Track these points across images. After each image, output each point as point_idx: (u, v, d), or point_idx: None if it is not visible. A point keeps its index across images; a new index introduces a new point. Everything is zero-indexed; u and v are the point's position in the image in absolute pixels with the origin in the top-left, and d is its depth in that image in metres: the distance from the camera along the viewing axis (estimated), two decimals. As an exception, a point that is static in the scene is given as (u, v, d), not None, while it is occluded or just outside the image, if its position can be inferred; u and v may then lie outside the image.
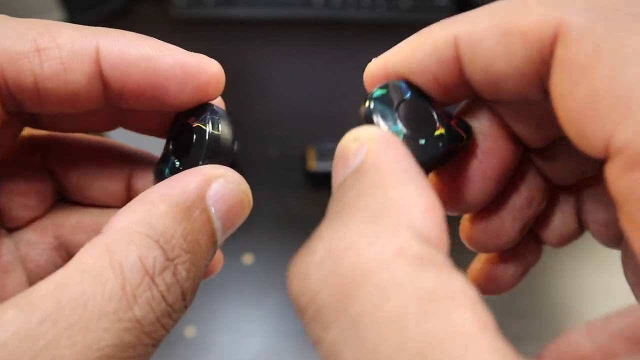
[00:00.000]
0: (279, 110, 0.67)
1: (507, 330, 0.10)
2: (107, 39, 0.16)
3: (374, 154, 0.13)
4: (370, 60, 0.17)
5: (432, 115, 0.16)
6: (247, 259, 0.52)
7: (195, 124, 0.17)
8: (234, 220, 0.16)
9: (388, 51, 0.16)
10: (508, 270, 0.20)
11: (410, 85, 0.16)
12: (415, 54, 0.15)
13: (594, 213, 0.18)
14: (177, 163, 0.17)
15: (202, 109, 0.17)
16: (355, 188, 0.12)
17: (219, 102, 0.19)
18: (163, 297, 0.13)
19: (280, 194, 0.57)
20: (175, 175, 0.15)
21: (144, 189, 0.15)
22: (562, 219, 0.19)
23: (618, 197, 0.11)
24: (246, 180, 0.17)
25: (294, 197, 0.57)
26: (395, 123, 0.15)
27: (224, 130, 0.17)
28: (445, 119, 0.16)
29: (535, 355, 0.11)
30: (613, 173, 0.11)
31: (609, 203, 0.15)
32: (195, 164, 0.16)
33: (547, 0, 0.12)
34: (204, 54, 0.18)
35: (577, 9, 0.12)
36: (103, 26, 0.16)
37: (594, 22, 0.11)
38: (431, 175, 0.18)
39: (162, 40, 0.17)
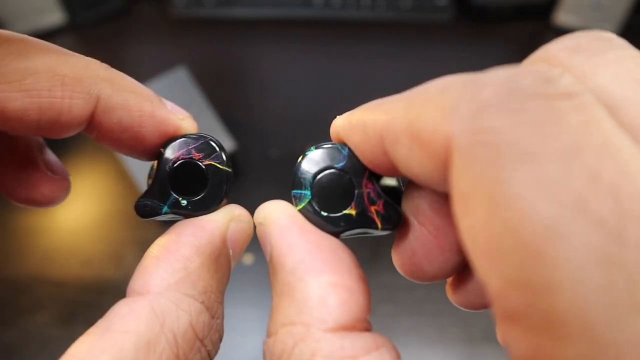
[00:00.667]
0: (279, 111, 0.67)
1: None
2: (110, 85, 0.16)
3: (277, 249, 0.14)
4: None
5: (353, 192, 0.15)
6: (247, 259, 0.52)
7: (207, 162, 0.16)
8: (240, 254, 0.17)
9: (355, 109, 0.16)
10: None
11: (351, 153, 0.15)
12: (355, 127, 0.15)
13: None
14: (184, 202, 0.16)
15: (201, 143, 0.17)
16: (274, 283, 0.14)
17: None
18: (208, 352, 0.14)
19: (280, 194, 0.57)
20: (194, 220, 0.16)
21: None
22: None
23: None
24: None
25: (294, 197, 0.56)
26: (306, 188, 0.15)
27: (230, 164, 0.17)
28: (368, 201, 0.15)
29: None
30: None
31: None
32: (212, 205, 0.16)
33: (442, 100, 0.11)
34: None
35: (462, 122, 0.10)
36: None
37: (475, 147, 0.10)
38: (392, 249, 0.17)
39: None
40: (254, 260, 0.51)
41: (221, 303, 0.15)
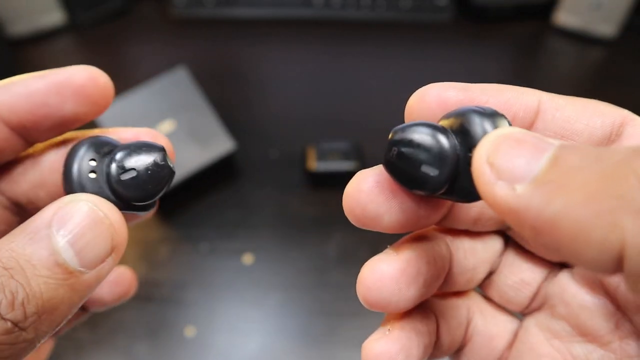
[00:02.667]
0: (279, 110, 0.67)
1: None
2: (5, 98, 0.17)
3: None
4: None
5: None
6: (247, 259, 0.52)
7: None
8: (86, 244, 0.15)
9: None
10: None
11: None
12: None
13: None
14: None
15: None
16: None
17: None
18: None
19: (280, 194, 0.57)
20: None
21: None
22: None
23: None
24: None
25: (294, 197, 0.57)
26: None
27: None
28: None
29: None
30: None
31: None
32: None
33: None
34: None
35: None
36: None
37: None
38: None
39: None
40: (254, 260, 0.51)
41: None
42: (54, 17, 0.75)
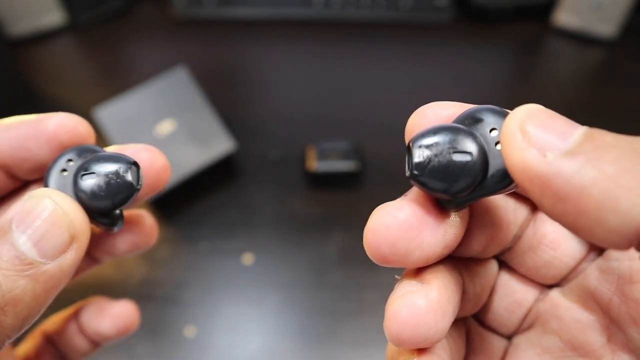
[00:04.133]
0: (279, 111, 0.67)
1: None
2: None
3: None
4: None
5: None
6: (247, 259, 0.52)
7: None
8: (43, 234, 0.16)
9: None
10: None
11: None
12: None
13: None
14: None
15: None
16: None
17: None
18: None
19: (280, 194, 0.57)
20: None
21: None
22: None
23: None
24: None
25: (294, 197, 0.57)
26: None
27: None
28: None
29: None
30: None
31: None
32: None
33: None
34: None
35: None
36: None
37: None
38: None
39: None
40: (254, 260, 0.51)
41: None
42: (54, 17, 0.75)
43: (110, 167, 0.17)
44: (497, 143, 0.14)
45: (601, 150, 0.11)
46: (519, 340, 0.19)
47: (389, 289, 0.17)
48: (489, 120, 0.14)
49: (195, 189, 0.56)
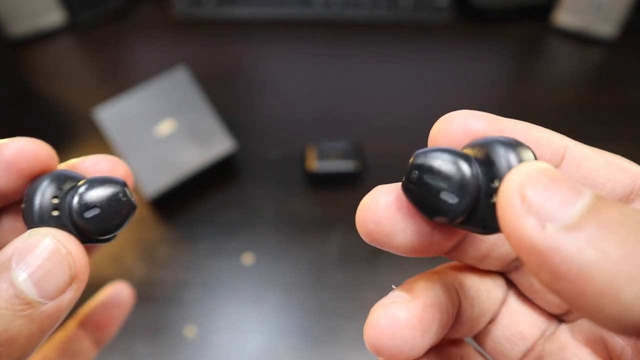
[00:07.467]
0: (279, 110, 0.67)
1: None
2: None
3: None
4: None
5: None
6: (247, 259, 0.52)
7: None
8: (44, 274, 0.15)
9: None
10: None
11: None
12: None
13: None
14: None
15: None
16: None
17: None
18: None
19: (280, 194, 0.57)
20: None
21: None
22: None
23: None
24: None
25: (294, 197, 0.57)
26: None
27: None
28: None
29: None
30: None
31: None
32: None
33: None
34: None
35: None
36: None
37: None
38: None
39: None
40: (254, 260, 0.51)
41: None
42: (54, 17, 0.75)
43: (109, 196, 0.17)
44: (493, 195, 0.13)
45: (606, 228, 0.10)
46: None
47: (388, 289, 0.17)
48: (499, 162, 0.13)
49: (195, 189, 0.56)
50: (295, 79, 0.72)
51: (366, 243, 0.16)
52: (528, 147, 0.13)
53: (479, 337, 0.19)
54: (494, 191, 0.13)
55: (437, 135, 0.15)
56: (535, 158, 0.13)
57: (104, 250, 0.53)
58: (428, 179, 0.14)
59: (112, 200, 0.17)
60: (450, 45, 0.77)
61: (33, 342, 0.15)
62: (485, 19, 0.79)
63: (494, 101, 0.67)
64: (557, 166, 0.15)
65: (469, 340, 0.19)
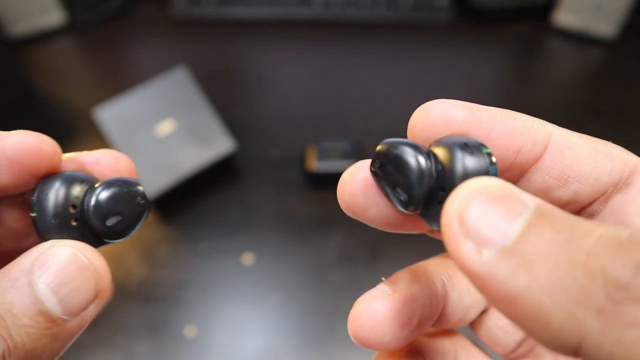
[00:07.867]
0: (279, 110, 0.67)
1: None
2: None
3: None
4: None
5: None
6: (247, 259, 0.52)
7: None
8: (70, 291, 0.15)
9: None
10: None
11: None
12: None
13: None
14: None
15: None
16: None
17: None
18: None
19: (280, 194, 0.57)
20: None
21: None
22: None
23: None
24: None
25: (294, 197, 0.57)
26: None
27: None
28: None
29: None
30: None
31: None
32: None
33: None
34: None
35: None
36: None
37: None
38: None
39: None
40: (254, 260, 0.51)
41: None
42: (54, 17, 0.75)
43: (128, 200, 0.17)
44: (440, 202, 0.13)
45: (538, 251, 0.10)
46: None
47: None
48: (451, 169, 0.13)
49: (195, 189, 0.56)
50: (295, 78, 0.72)
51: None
52: (488, 154, 0.13)
53: (474, 327, 0.19)
54: (443, 197, 0.13)
55: (415, 124, 0.15)
56: (493, 164, 0.13)
57: (103, 250, 0.53)
58: (387, 170, 0.14)
59: (132, 205, 0.17)
60: (450, 45, 0.77)
61: (53, 356, 0.14)
62: (485, 19, 0.79)
63: (494, 101, 0.67)
64: (539, 155, 0.15)
65: (466, 329, 0.20)
